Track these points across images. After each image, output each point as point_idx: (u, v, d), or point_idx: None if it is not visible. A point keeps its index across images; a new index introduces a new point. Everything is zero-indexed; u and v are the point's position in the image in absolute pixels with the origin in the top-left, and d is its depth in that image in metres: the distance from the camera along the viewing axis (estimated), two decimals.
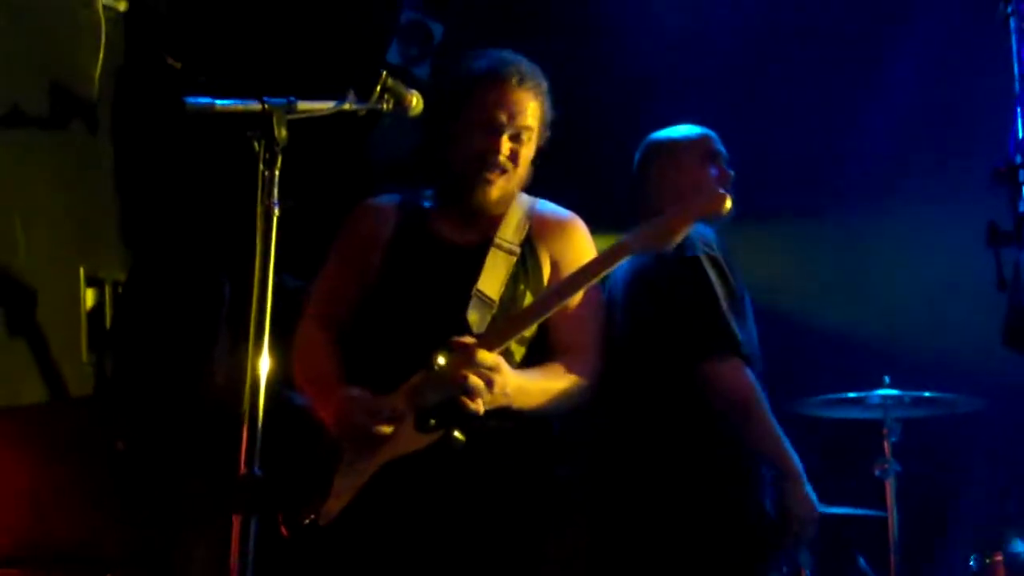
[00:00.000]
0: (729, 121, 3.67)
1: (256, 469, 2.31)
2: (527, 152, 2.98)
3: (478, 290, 2.91)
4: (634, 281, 3.33)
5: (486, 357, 2.73)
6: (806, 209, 5.03)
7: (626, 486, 3.25)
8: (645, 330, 3.23)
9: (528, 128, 2.95)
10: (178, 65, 4.02)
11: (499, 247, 2.96)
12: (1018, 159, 2.00)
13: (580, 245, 3.05)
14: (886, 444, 4.31)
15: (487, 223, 3.00)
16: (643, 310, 3.25)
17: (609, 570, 3.25)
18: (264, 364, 2.33)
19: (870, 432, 4.39)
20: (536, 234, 3.01)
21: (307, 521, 2.80)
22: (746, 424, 3.10)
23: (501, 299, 2.92)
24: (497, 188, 2.95)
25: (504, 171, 2.93)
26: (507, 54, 3.02)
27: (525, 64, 3.00)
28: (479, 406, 2.73)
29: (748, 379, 3.11)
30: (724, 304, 3.11)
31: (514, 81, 2.94)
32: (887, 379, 4.30)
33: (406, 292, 2.96)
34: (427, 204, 3.09)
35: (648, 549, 3.16)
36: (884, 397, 4.29)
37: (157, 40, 4.04)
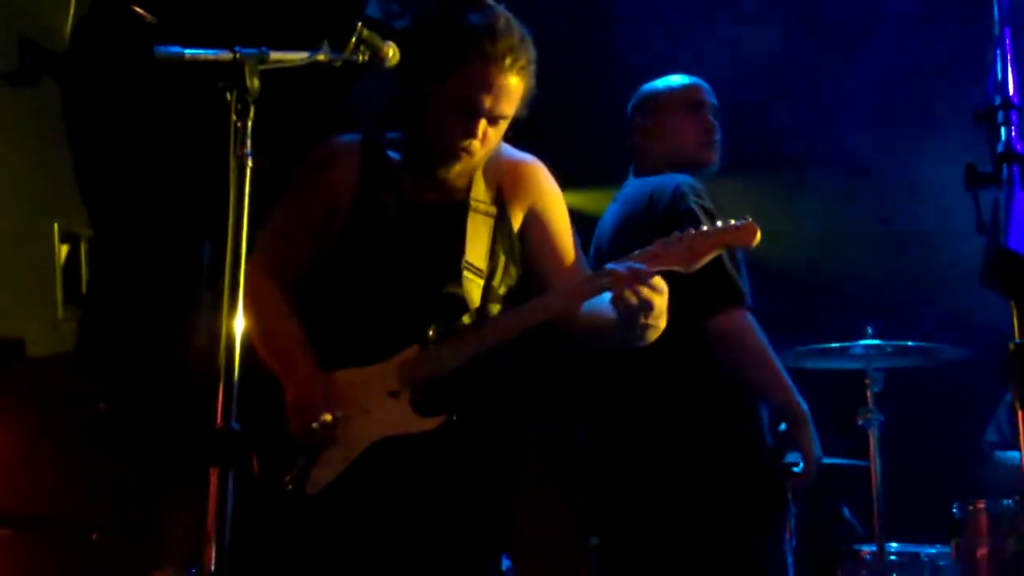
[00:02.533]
0: (714, 72, 3.65)
1: (233, 423, 2.28)
2: (499, 132, 2.80)
3: (468, 262, 2.81)
4: (626, 234, 3.33)
5: (660, 280, 2.62)
6: (789, 161, 5.02)
7: (633, 436, 3.30)
8: None
9: (507, 115, 2.75)
10: (150, 18, 3.96)
11: (476, 210, 2.85)
12: (996, 100, 1.99)
13: (550, 193, 2.94)
14: (869, 394, 4.31)
15: (455, 180, 2.86)
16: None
17: (616, 518, 3.31)
18: (240, 318, 2.30)
19: (853, 382, 4.40)
20: (506, 188, 2.89)
21: (290, 484, 2.67)
22: (759, 373, 3.19)
23: (488, 269, 2.84)
24: (461, 165, 2.80)
25: (472, 153, 2.78)
26: (501, 17, 2.75)
27: (517, 35, 2.74)
28: (659, 322, 2.66)
29: (758, 329, 3.19)
30: (725, 255, 3.12)
31: (506, 63, 2.70)
32: (870, 329, 4.30)
33: (386, 256, 2.81)
34: (392, 154, 2.88)
35: (659, 498, 3.22)
36: (867, 347, 4.29)
37: None
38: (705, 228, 2.69)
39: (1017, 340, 1.82)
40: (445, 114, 2.73)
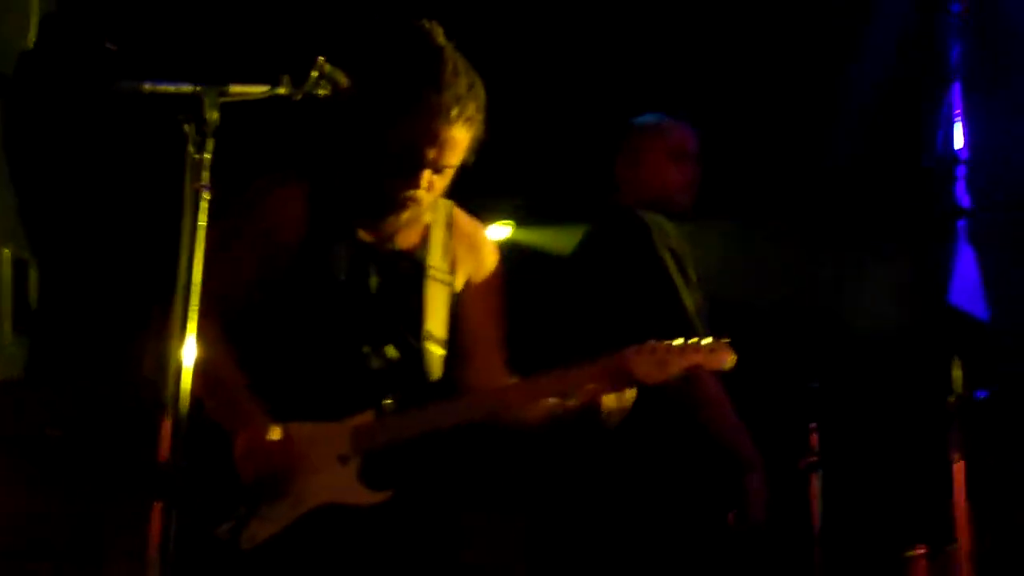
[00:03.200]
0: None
1: (179, 458, 2.25)
2: (446, 180, 2.73)
3: (428, 332, 2.76)
4: (588, 273, 3.36)
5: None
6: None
7: (587, 480, 3.31)
8: (605, 323, 3.24)
9: (453, 166, 2.69)
10: (114, 48, 3.96)
11: (434, 277, 2.81)
12: (944, 156, 2.03)
13: (491, 265, 2.91)
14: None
15: (411, 231, 2.81)
16: (603, 303, 3.28)
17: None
18: (190, 350, 2.29)
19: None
20: (457, 255, 2.86)
21: (226, 534, 2.56)
22: (717, 420, 3.20)
23: (447, 339, 2.80)
24: (408, 213, 2.74)
25: (418, 202, 2.71)
26: (449, 63, 2.67)
27: (465, 84, 2.66)
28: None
29: (715, 378, 3.14)
30: (687, 301, 3.14)
31: (452, 114, 2.62)
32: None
33: (342, 310, 2.72)
34: (340, 197, 2.78)
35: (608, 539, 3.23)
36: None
37: (91, 18, 3.98)
38: (679, 343, 2.64)
39: (958, 393, 1.85)
40: (390, 163, 2.66)
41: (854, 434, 4.46)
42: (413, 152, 2.64)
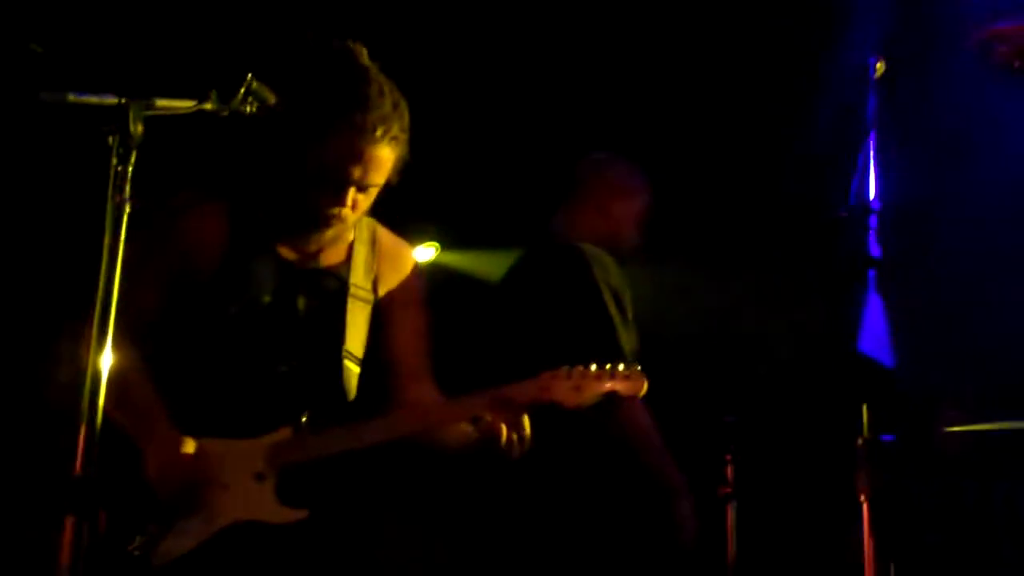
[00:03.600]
0: None
1: (91, 471, 2.22)
2: (370, 198, 2.76)
3: (347, 350, 2.79)
4: (523, 299, 3.37)
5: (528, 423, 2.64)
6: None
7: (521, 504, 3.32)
8: (536, 352, 3.26)
9: (377, 184, 2.73)
10: (39, 50, 3.90)
11: (355, 296, 2.83)
12: (856, 205, 2.08)
13: (413, 283, 2.95)
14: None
15: (333, 248, 2.84)
16: (536, 332, 3.29)
17: None
18: (106, 362, 2.26)
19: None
20: (380, 275, 2.89)
21: (137, 550, 2.55)
22: (646, 447, 3.25)
23: (365, 358, 2.84)
24: (333, 231, 2.77)
25: (343, 220, 2.74)
26: (374, 83, 2.70)
27: (390, 103, 2.69)
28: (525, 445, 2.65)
29: (645, 408, 3.23)
30: (623, 339, 3.17)
31: (377, 134, 2.65)
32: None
33: (256, 322, 2.73)
34: (262, 214, 2.79)
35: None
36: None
37: (18, 23, 3.92)
38: (593, 369, 2.68)
39: (865, 436, 1.90)
40: (314, 181, 2.68)
41: (768, 468, 4.53)
42: (338, 170, 2.65)
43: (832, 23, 3.95)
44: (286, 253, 2.80)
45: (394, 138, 2.69)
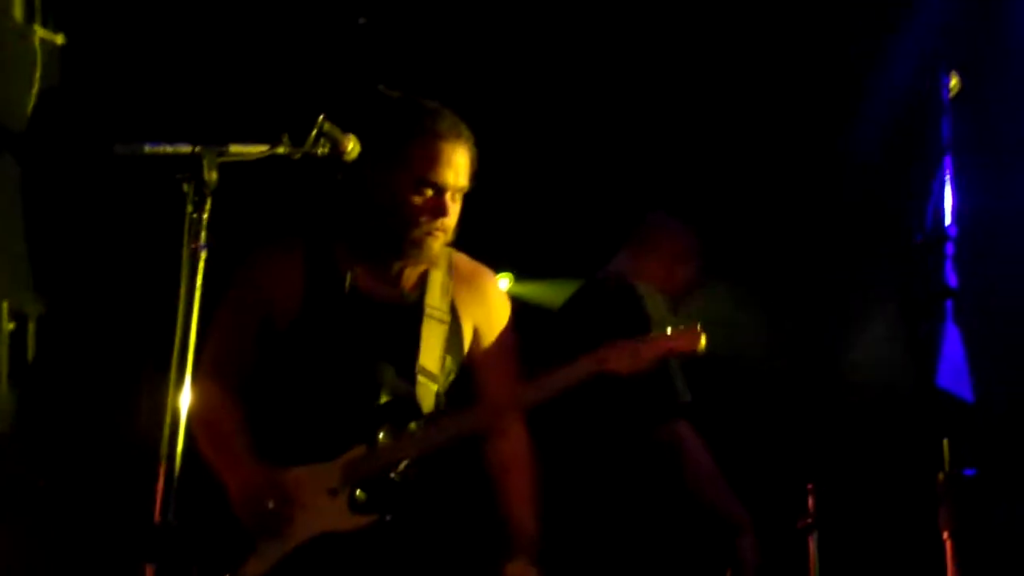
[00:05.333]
0: None
1: (171, 517, 2.24)
2: (458, 209, 2.89)
3: (421, 367, 2.85)
4: (572, 328, 3.39)
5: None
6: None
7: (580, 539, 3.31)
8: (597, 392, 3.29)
9: (465, 188, 2.86)
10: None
11: (431, 316, 2.89)
12: (934, 231, 2.04)
13: (498, 309, 3.04)
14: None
15: (409, 275, 2.94)
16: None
17: None
18: (184, 408, 2.29)
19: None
20: (458, 297, 2.96)
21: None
22: (704, 485, 3.27)
23: (441, 374, 2.90)
24: (438, 245, 2.86)
25: (445, 231, 2.84)
26: (436, 104, 2.90)
27: (449, 117, 2.88)
28: None
29: (702, 442, 3.25)
30: (673, 365, 3.18)
31: (454, 134, 2.83)
32: None
33: (335, 352, 2.84)
34: (342, 249, 2.92)
35: None
36: None
37: (94, 75, 4.02)
38: (651, 334, 2.73)
39: (947, 470, 1.86)
40: (407, 195, 2.78)
41: (849, 499, 4.45)
42: (434, 177, 2.77)
43: (897, 39, 3.91)
44: (364, 286, 2.89)
45: (469, 139, 2.85)
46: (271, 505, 2.68)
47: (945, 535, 1.92)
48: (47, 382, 3.83)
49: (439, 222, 2.80)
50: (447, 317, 2.92)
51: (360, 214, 2.88)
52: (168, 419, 2.25)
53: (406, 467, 2.77)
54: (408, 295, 2.91)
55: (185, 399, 2.27)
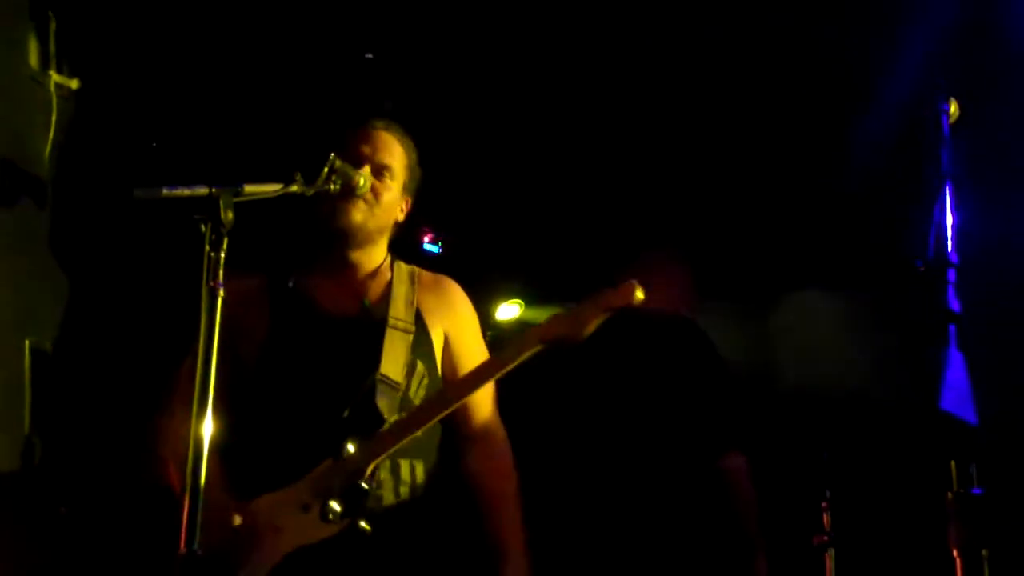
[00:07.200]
0: None
1: (196, 547, 2.28)
2: (388, 194, 3.04)
3: (382, 375, 2.90)
4: (635, 361, 3.47)
5: None
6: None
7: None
8: (657, 414, 3.35)
9: (389, 167, 3.03)
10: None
11: (394, 327, 2.97)
12: (935, 257, 2.07)
13: (465, 314, 3.15)
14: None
15: (372, 291, 3.03)
16: (654, 394, 3.37)
17: None
18: (206, 439, 2.33)
19: None
20: (423, 306, 3.06)
21: None
22: (748, 517, 3.45)
23: (405, 382, 2.95)
24: (358, 210, 2.97)
25: (366, 200, 2.97)
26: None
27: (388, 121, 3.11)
28: None
29: (750, 474, 3.42)
30: (736, 398, 3.26)
31: (379, 124, 3.08)
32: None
33: (301, 373, 2.92)
34: (303, 271, 3.05)
35: None
36: None
37: (110, 119, 4.07)
38: (586, 300, 2.79)
39: (955, 490, 1.90)
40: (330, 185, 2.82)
41: (867, 514, 4.47)
42: (349, 155, 2.91)
43: (895, 62, 3.95)
44: (326, 303, 2.99)
45: (399, 132, 3.08)
46: (242, 538, 2.73)
47: (954, 552, 1.96)
48: (69, 414, 3.87)
49: (356, 189, 2.90)
50: (412, 327, 3.00)
51: (305, 217, 3.01)
52: (191, 450, 2.29)
53: (373, 472, 2.80)
54: (371, 309, 2.99)
55: (207, 430, 2.31)
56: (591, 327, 2.77)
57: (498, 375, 2.83)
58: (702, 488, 3.41)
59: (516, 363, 2.78)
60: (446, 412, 2.85)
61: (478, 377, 2.86)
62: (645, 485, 3.38)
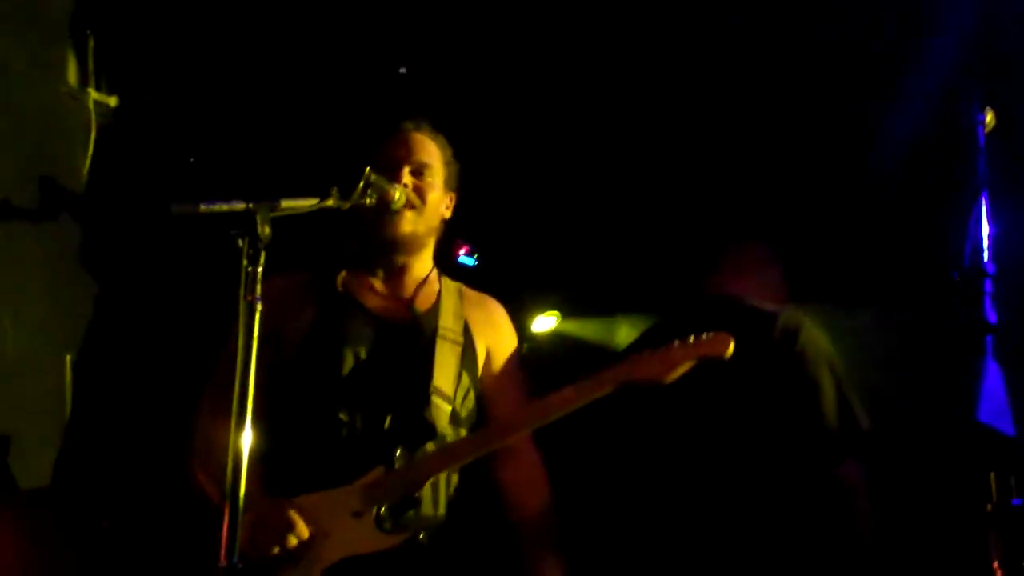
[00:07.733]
0: None
1: (236, 559, 2.29)
2: (432, 192, 3.04)
3: (435, 387, 2.90)
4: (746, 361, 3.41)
5: None
6: None
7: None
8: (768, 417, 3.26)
9: (427, 165, 3.03)
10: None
11: (444, 337, 2.97)
12: (972, 267, 2.06)
13: (508, 334, 3.16)
14: None
15: (420, 300, 3.03)
16: (770, 403, 3.30)
17: None
18: (245, 452, 2.34)
19: None
20: (470, 319, 3.07)
21: None
22: (865, 527, 3.21)
23: (455, 395, 2.95)
24: (407, 221, 2.97)
25: (412, 206, 2.97)
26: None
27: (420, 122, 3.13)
28: None
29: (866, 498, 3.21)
30: (857, 406, 3.17)
31: (410, 126, 3.09)
32: None
33: (349, 376, 2.89)
34: (345, 277, 3.05)
35: None
36: None
37: (147, 135, 4.11)
38: (677, 343, 2.73)
39: (995, 500, 1.89)
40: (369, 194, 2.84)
41: (903, 528, 4.42)
42: (387, 161, 2.97)
43: (927, 68, 3.91)
44: (376, 306, 2.98)
45: (431, 131, 3.10)
46: (285, 539, 2.68)
47: (995, 563, 1.95)
48: (110, 428, 3.90)
49: (397, 195, 2.89)
50: (461, 339, 3.00)
51: (351, 226, 3.02)
52: (231, 462, 2.30)
53: (428, 486, 2.82)
54: (421, 318, 2.98)
55: (246, 444, 2.32)
56: (679, 372, 2.72)
57: (567, 411, 2.77)
58: (814, 498, 3.25)
59: (588, 401, 2.75)
60: (497, 448, 2.85)
61: (538, 416, 2.82)
62: (750, 493, 3.24)
